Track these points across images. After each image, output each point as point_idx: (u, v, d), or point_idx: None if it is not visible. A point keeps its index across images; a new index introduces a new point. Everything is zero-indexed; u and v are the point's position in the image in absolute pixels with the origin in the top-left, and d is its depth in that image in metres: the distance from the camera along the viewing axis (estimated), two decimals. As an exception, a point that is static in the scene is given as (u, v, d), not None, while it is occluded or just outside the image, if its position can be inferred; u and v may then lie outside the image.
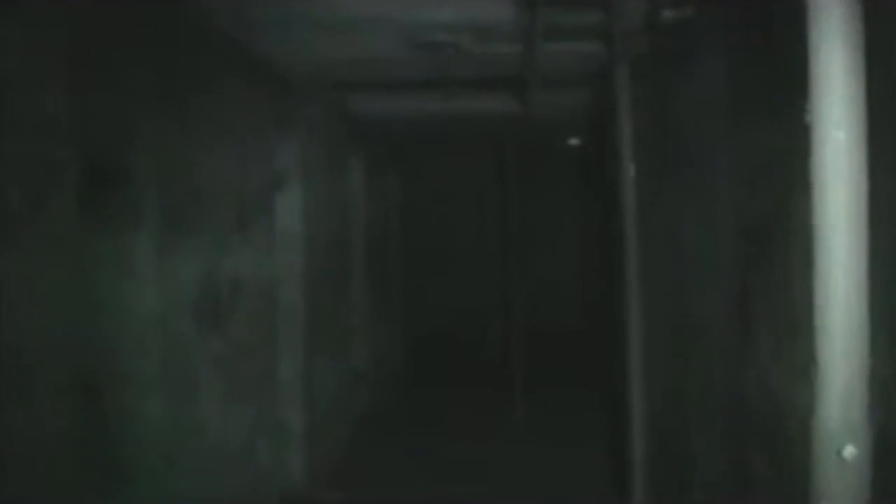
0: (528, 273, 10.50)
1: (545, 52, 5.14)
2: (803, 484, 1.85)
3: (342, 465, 7.53)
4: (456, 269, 13.01)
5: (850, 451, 1.66)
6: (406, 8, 4.48)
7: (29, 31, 3.05)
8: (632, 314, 4.94)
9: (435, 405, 10.04)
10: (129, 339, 3.82)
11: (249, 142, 5.54)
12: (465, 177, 12.97)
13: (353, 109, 7.97)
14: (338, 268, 7.91)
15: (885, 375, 2.08)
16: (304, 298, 6.48)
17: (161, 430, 4.10)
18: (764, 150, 3.16)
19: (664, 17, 4.37)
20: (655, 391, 5.11)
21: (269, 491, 5.95)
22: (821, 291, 1.69)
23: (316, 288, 6.81)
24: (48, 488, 3.11)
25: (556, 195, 12.62)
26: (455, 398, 10.28)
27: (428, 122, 9.03)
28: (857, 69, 1.71)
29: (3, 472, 2.83)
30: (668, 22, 4.37)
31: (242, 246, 5.32)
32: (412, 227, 12.74)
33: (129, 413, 3.80)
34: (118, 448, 3.70)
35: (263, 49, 5.34)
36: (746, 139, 3.42)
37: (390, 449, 8.20)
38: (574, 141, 10.85)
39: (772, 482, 3.10)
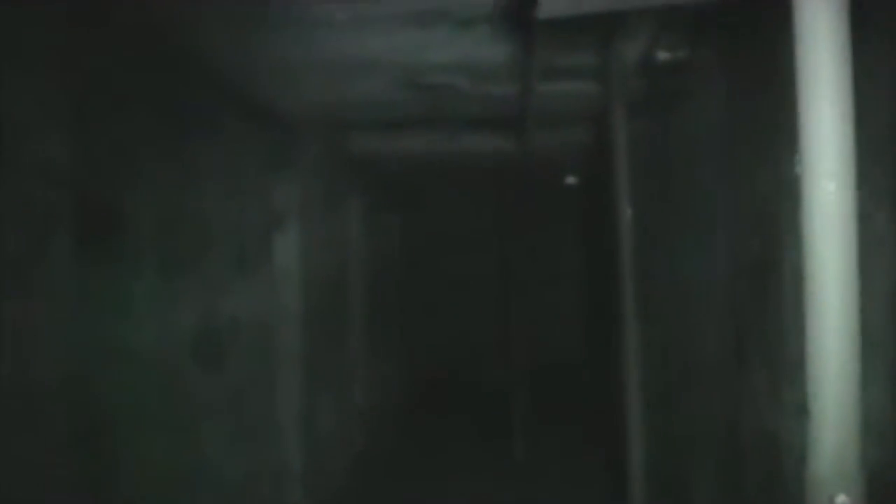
0: (528, 311, 10.47)
1: (542, 92, 5.18)
2: (798, 531, 1.85)
3: (340, 503, 7.50)
4: (456, 306, 13.01)
5: (842, 500, 1.66)
6: (403, 50, 4.51)
7: (30, 78, 3.07)
8: (629, 353, 4.93)
9: (433, 442, 10.00)
10: (129, 379, 3.82)
11: (248, 182, 5.56)
12: (464, 215, 13.00)
13: (352, 149, 8.00)
14: (337, 306, 7.91)
15: (882, 423, 2.09)
16: (303, 337, 6.48)
17: (161, 468, 4.09)
18: (757, 192, 3.18)
19: (659, 59, 4.40)
20: (654, 428, 5.09)
21: (266, 531, 5.92)
22: (812, 341, 1.69)
23: (315, 327, 6.80)
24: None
25: (556, 234, 12.65)
26: (453, 435, 10.24)
27: (427, 162, 9.06)
28: (848, 119, 1.73)
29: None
30: (663, 63, 4.40)
31: (241, 286, 5.33)
32: (411, 265, 12.75)
33: (128, 451, 3.79)
34: (117, 486, 3.69)
35: (262, 90, 5.38)
36: (741, 180, 3.44)
37: (388, 486, 8.16)
38: (572, 179, 10.89)
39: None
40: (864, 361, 1.73)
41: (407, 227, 12.75)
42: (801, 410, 1.73)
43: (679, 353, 4.68)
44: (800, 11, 1.79)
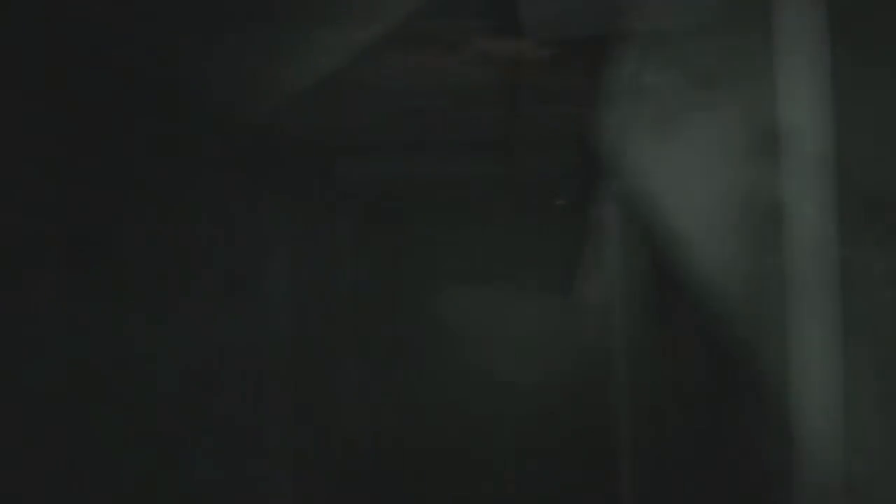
0: (520, 336, 10.45)
1: (528, 114, 5.19)
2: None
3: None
4: (447, 329, 12.96)
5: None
6: (389, 74, 4.52)
7: (14, 109, 3.08)
8: (620, 379, 4.93)
9: (425, 470, 9.95)
10: (121, 406, 3.81)
11: (237, 207, 5.55)
12: (454, 238, 12.97)
13: (340, 173, 7.99)
14: (328, 331, 7.88)
15: (870, 441, 2.08)
16: (294, 363, 6.46)
17: (152, 495, 4.06)
18: (743, 212, 3.18)
19: (646, 80, 4.41)
20: (645, 448, 5.08)
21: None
22: (795, 362, 1.69)
23: (305, 352, 6.78)
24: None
25: (547, 258, 12.63)
26: (448, 462, 10.20)
27: (416, 185, 9.07)
28: (830, 142, 1.73)
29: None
30: (650, 85, 4.42)
31: (231, 311, 5.31)
32: (401, 289, 12.71)
33: (120, 480, 3.77)
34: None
35: (249, 114, 5.37)
36: (727, 201, 3.44)
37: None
38: (561, 202, 10.90)
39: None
40: (850, 379, 1.73)
41: (397, 250, 12.72)
42: (787, 430, 1.73)
43: (673, 373, 4.67)
44: (781, 33, 1.79)
